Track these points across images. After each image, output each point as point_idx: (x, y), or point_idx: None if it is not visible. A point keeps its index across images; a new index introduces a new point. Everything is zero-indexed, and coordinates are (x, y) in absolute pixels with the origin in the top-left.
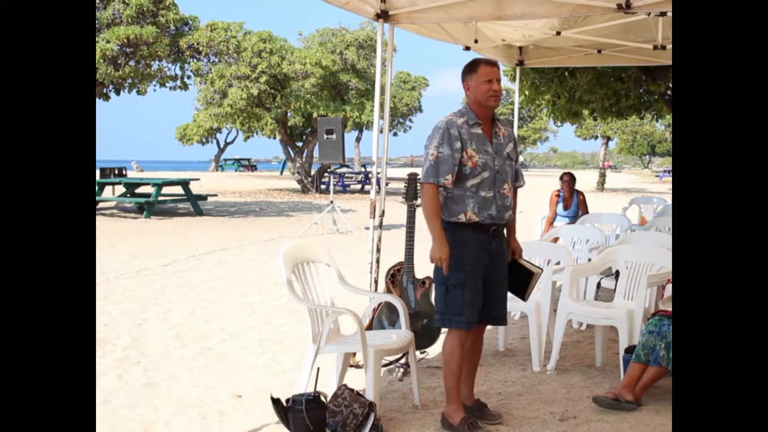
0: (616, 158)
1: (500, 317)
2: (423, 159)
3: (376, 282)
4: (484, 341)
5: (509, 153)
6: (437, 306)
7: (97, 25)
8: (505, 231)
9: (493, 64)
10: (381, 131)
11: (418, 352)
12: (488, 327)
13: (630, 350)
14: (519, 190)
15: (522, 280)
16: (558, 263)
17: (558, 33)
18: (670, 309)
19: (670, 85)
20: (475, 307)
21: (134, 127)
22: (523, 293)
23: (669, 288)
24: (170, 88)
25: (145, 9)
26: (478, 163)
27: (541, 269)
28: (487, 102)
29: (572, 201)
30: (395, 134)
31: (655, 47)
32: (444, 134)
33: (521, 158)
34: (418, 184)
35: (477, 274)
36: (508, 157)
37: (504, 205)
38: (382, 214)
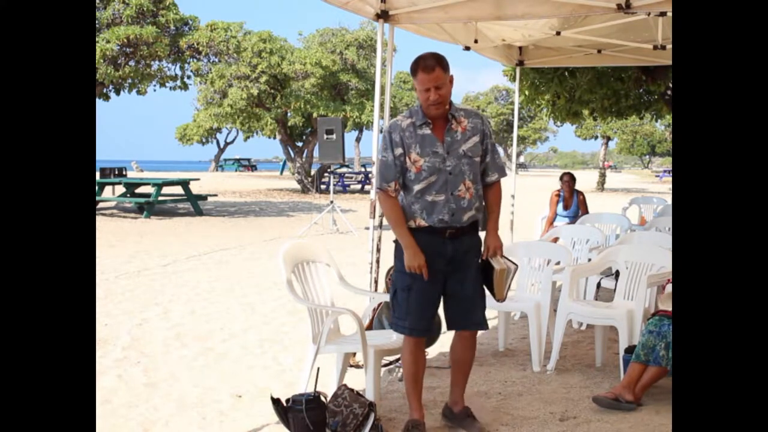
0: (616, 158)
1: (473, 322)
2: None
3: (376, 282)
4: (485, 341)
5: (468, 150)
6: (391, 310)
7: (97, 25)
8: (474, 231)
9: (431, 68)
10: (381, 131)
11: None
12: (489, 327)
13: (630, 350)
14: (517, 186)
15: (491, 278)
16: (558, 263)
17: (558, 33)
18: (670, 308)
19: (670, 85)
20: (422, 313)
21: (134, 127)
22: (493, 293)
23: (669, 287)
24: (170, 88)
25: (145, 9)
26: (423, 168)
27: (516, 265)
28: (427, 111)
29: (572, 201)
30: None
31: (655, 47)
32: (386, 139)
33: (522, 157)
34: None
35: (428, 279)
36: (465, 155)
37: (460, 207)
38: (382, 214)
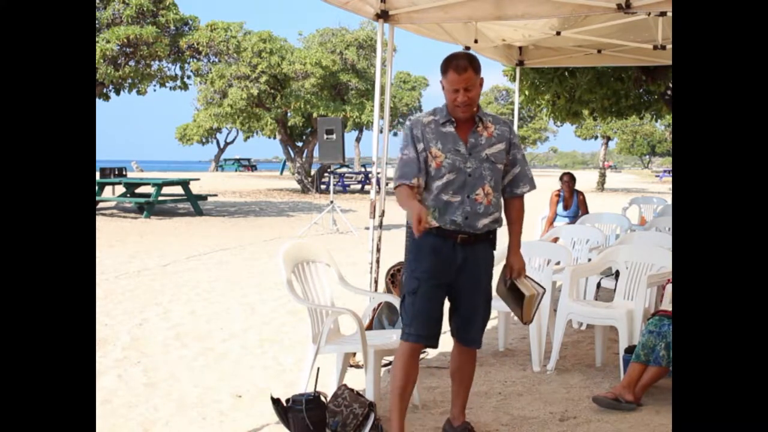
0: (616, 158)
1: (468, 338)
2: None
3: (376, 282)
4: (485, 341)
5: (493, 155)
6: None
7: (97, 25)
8: (489, 244)
9: (463, 69)
10: (381, 131)
11: None
12: (488, 326)
13: (630, 350)
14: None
15: (519, 302)
16: (558, 263)
17: (558, 33)
18: (670, 309)
19: (670, 85)
20: (428, 320)
21: (134, 127)
22: (521, 317)
23: (669, 288)
24: (170, 88)
25: (145, 9)
26: (443, 164)
27: (544, 289)
28: (453, 111)
29: (572, 201)
30: (395, 134)
31: (655, 47)
32: (408, 135)
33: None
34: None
35: (432, 284)
36: (488, 159)
37: (475, 212)
38: (382, 214)
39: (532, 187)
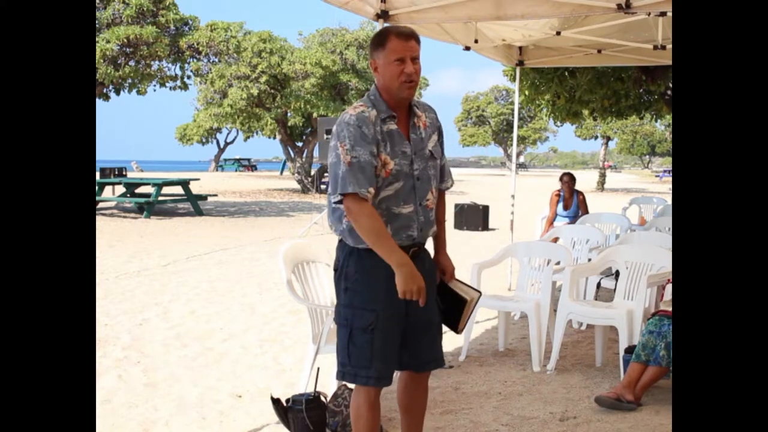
0: (616, 158)
1: (433, 359)
2: (329, 167)
3: None
4: (485, 341)
5: (433, 150)
6: (338, 355)
7: (97, 25)
8: (426, 248)
9: (408, 35)
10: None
11: None
12: (488, 326)
13: (630, 350)
14: (517, 186)
15: (454, 307)
16: (558, 263)
17: (558, 33)
18: (670, 309)
19: (670, 85)
20: (389, 356)
21: (134, 127)
22: (455, 324)
23: (669, 288)
24: (170, 88)
25: (145, 9)
26: (392, 171)
27: (479, 292)
28: (399, 91)
29: (572, 201)
30: None
31: (655, 47)
32: (354, 134)
33: (522, 157)
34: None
35: (391, 314)
36: (432, 156)
37: (428, 221)
38: None
39: (452, 181)
